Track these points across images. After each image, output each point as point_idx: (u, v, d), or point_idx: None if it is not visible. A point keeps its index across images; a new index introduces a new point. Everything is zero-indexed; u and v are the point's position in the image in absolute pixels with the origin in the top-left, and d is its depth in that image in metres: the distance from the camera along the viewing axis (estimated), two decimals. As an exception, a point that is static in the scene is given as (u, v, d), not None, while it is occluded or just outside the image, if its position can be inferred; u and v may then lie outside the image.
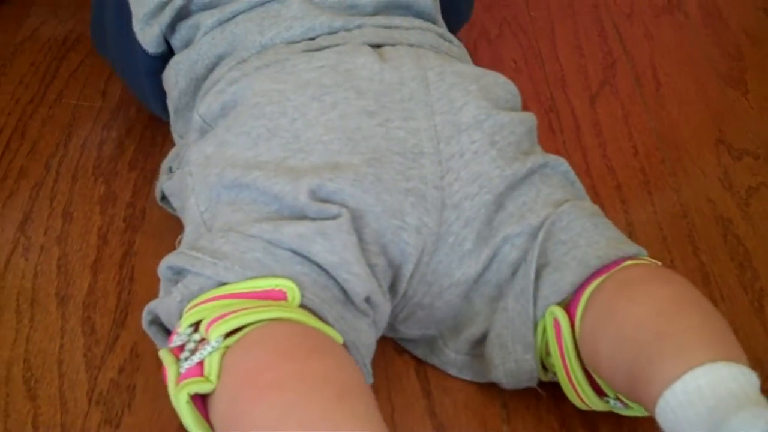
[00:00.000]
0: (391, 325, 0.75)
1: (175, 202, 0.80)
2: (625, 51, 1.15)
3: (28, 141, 0.98)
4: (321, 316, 0.63)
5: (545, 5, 1.23)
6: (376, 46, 0.76)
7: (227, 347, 0.58)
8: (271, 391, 0.54)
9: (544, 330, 0.69)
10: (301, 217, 0.66)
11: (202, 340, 0.59)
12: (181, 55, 0.82)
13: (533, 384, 0.72)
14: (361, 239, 0.67)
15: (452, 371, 0.76)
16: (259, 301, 0.62)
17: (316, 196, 0.66)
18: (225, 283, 0.63)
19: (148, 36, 0.83)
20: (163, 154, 0.94)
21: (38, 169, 0.95)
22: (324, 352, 0.59)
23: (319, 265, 0.65)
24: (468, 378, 0.76)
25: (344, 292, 0.66)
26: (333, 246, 0.65)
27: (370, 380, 0.69)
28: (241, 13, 0.80)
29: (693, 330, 0.61)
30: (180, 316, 0.63)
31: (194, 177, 0.71)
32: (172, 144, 0.88)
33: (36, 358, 0.76)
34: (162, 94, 0.87)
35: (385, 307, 0.70)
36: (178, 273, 0.67)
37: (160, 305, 0.66)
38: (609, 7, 1.23)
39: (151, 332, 0.68)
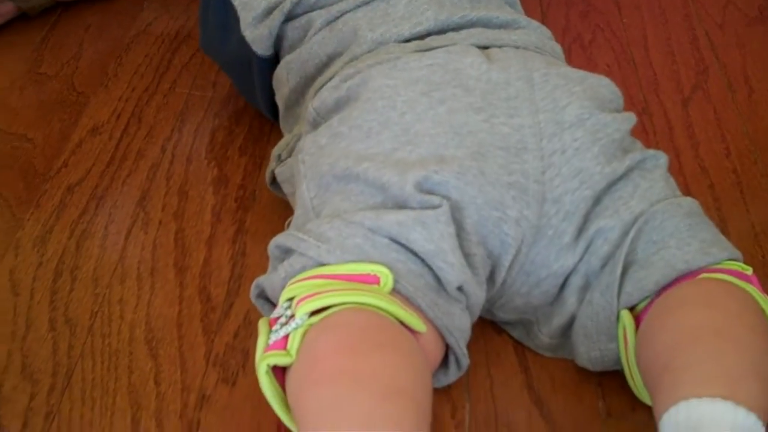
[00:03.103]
0: (489, 310, 0.79)
1: (286, 188, 0.84)
2: (717, 58, 1.17)
3: (144, 126, 1.04)
4: (413, 302, 0.67)
5: (638, 13, 1.26)
6: (484, 48, 0.80)
7: (310, 325, 0.62)
8: (324, 382, 0.59)
9: (622, 330, 0.72)
10: (404, 207, 0.70)
11: (292, 315, 0.64)
12: (292, 55, 0.87)
13: (620, 368, 0.74)
14: (462, 229, 0.70)
15: (547, 354, 0.79)
16: (351, 284, 0.65)
17: (422, 188, 0.69)
18: (325, 264, 0.67)
19: (257, 39, 0.88)
20: (271, 142, 0.99)
21: (155, 152, 1.00)
22: (391, 348, 0.62)
23: (415, 253, 0.69)
24: (564, 356, 0.79)
25: (438, 279, 0.70)
26: (431, 235, 0.68)
27: (466, 362, 0.72)
28: (347, 12, 0.85)
29: (699, 364, 0.63)
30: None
31: (306, 165, 0.75)
32: (279, 133, 0.93)
33: (156, 322, 0.81)
34: (268, 93, 0.93)
35: (479, 295, 0.72)
36: (286, 252, 0.71)
37: (267, 280, 0.71)
38: (701, 16, 1.26)
39: (258, 305, 0.73)
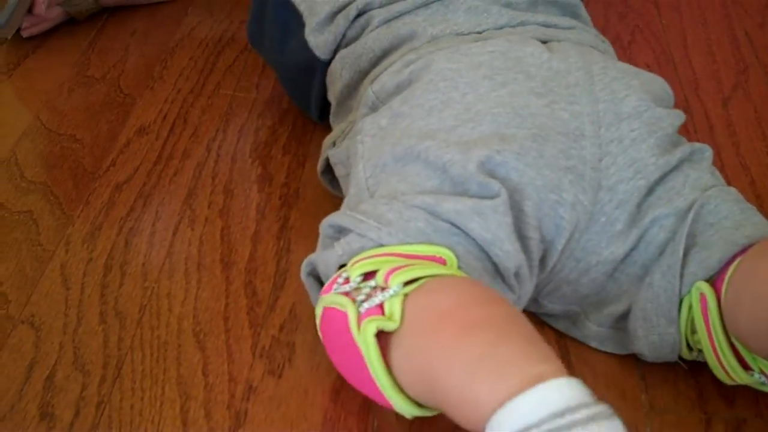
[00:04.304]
0: (535, 300, 0.79)
1: (339, 170, 0.85)
2: (757, 57, 1.18)
3: (190, 126, 1.06)
4: None
5: (677, 14, 1.26)
6: (542, 41, 0.82)
7: (406, 294, 0.62)
8: (471, 330, 0.58)
9: (690, 308, 0.72)
10: (461, 192, 0.71)
11: (377, 287, 0.64)
12: (347, 50, 0.89)
13: (674, 358, 0.75)
14: (521, 211, 0.71)
15: (593, 343, 0.79)
16: (426, 261, 0.67)
17: (484, 168, 0.70)
18: (383, 245, 0.69)
19: (321, 44, 0.91)
20: (314, 141, 1.01)
21: (200, 151, 1.02)
22: (500, 301, 0.63)
23: (473, 240, 0.70)
24: (608, 350, 0.79)
25: (495, 266, 0.71)
26: (488, 225, 0.69)
27: None
28: (406, 13, 0.87)
29: None
30: (336, 269, 0.69)
31: (366, 145, 0.76)
32: (322, 134, 0.95)
33: (204, 315, 0.83)
34: (322, 92, 0.95)
35: (530, 281, 0.74)
36: (339, 231, 0.72)
37: (320, 257, 0.72)
38: (741, 16, 1.26)
39: (308, 283, 0.74)
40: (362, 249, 0.69)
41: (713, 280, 0.72)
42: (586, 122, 0.74)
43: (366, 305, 0.63)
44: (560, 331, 0.81)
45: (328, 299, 0.67)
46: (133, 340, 0.81)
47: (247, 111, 1.08)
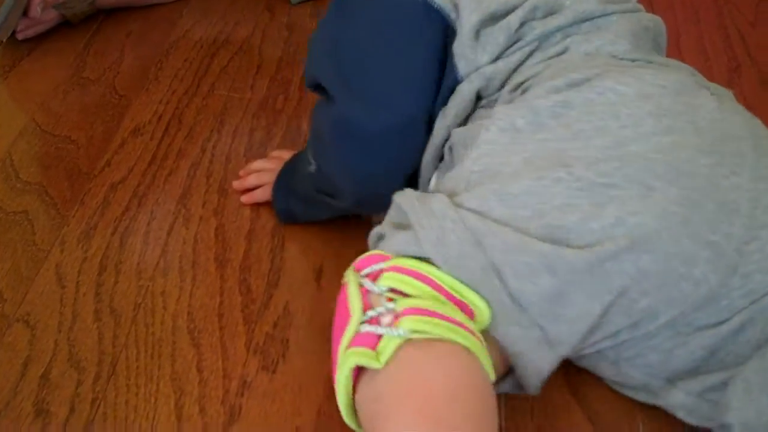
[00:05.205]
0: (615, 363, 0.72)
1: (458, 151, 0.73)
2: (750, 56, 1.18)
3: (185, 126, 1.06)
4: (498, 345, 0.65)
5: (671, 12, 1.27)
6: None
7: (408, 340, 0.60)
8: (430, 423, 0.57)
9: None
10: (555, 239, 0.63)
11: (391, 312, 0.62)
12: (493, 66, 0.76)
13: None
14: (638, 271, 0.63)
15: (680, 414, 0.71)
16: (451, 308, 0.63)
17: (606, 231, 0.63)
18: (426, 259, 0.64)
19: (471, 54, 0.75)
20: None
21: (195, 151, 1.03)
22: (475, 419, 0.60)
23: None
24: (694, 422, 0.71)
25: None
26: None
27: (536, 392, 0.69)
28: (561, 29, 0.77)
29: None
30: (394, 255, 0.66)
31: (489, 134, 0.68)
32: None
33: (198, 312, 0.83)
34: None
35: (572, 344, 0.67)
36: (398, 210, 0.69)
37: (393, 237, 0.67)
38: (733, 15, 1.26)
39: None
40: (408, 248, 0.66)
41: None
42: (744, 198, 0.65)
43: (368, 328, 0.61)
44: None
45: (354, 280, 0.65)
46: (128, 337, 0.81)
47: (241, 111, 1.09)
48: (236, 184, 0.96)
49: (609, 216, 0.63)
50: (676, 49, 1.19)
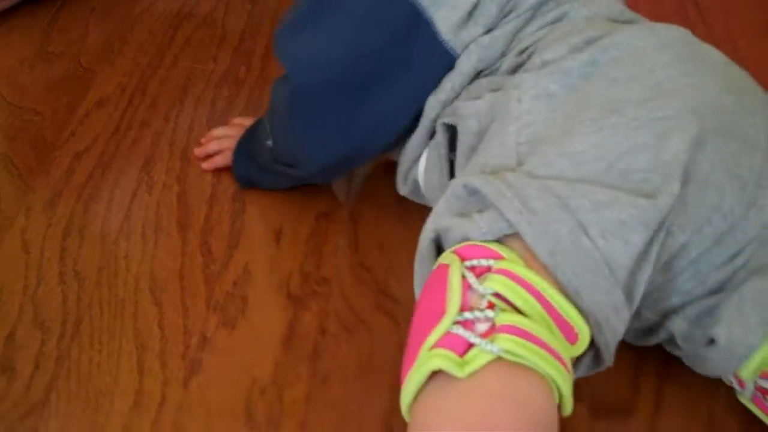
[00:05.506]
0: (638, 312, 0.68)
1: (471, 125, 0.72)
2: (702, 19, 1.21)
3: (148, 97, 1.08)
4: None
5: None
6: None
7: (498, 358, 0.55)
8: None
9: None
10: (628, 187, 0.61)
11: (489, 321, 0.56)
12: (489, 37, 0.76)
13: (739, 363, 0.67)
14: (683, 205, 0.63)
15: (679, 341, 0.71)
16: (553, 333, 0.58)
17: (671, 163, 0.62)
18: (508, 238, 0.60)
19: (466, 38, 0.76)
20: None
21: (158, 121, 1.05)
22: None
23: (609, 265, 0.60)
24: (687, 349, 0.71)
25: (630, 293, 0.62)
26: (642, 239, 0.60)
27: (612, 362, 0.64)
28: None
29: None
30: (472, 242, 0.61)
31: (524, 105, 0.67)
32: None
33: (160, 273, 0.86)
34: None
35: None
36: (473, 194, 0.63)
37: (458, 226, 0.62)
38: (688, -20, 1.29)
39: (428, 249, 0.64)
40: (502, 232, 0.60)
41: None
42: (762, 135, 0.67)
43: (461, 331, 0.56)
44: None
45: (458, 269, 0.59)
46: (92, 298, 0.83)
47: (204, 82, 1.11)
48: (197, 151, 0.99)
49: (676, 146, 0.61)
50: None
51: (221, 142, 0.97)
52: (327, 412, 0.74)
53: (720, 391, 0.75)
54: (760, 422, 0.71)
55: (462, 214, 0.63)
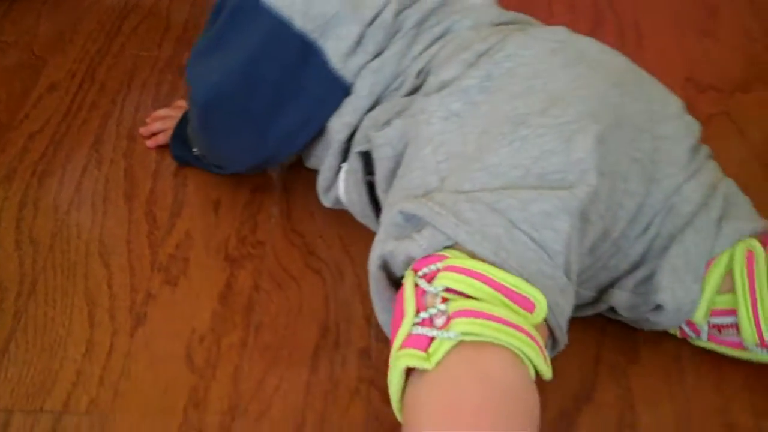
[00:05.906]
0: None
1: (385, 152, 0.77)
2: (612, 9, 1.31)
3: (97, 82, 1.16)
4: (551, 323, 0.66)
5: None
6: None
7: (461, 342, 0.60)
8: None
9: (725, 266, 0.75)
10: (547, 184, 0.67)
11: (444, 314, 0.61)
12: (379, 60, 0.82)
13: (689, 316, 0.76)
14: (596, 192, 0.68)
15: (623, 312, 0.79)
16: (510, 308, 0.62)
17: (582, 159, 0.67)
18: (452, 248, 0.65)
19: (354, 66, 0.82)
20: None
21: (106, 104, 1.13)
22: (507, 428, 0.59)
23: (548, 255, 0.65)
24: (632, 317, 0.80)
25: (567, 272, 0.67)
26: (567, 226, 0.65)
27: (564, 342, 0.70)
28: (436, 9, 0.85)
29: None
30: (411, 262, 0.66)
31: (434, 127, 0.72)
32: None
33: (108, 239, 0.94)
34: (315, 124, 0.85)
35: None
36: (409, 219, 0.69)
37: (399, 248, 0.67)
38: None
39: (378, 277, 0.70)
40: (441, 245, 0.66)
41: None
42: (645, 118, 0.76)
43: (420, 329, 0.62)
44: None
45: (411, 281, 0.65)
46: (46, 262, 0.91)
47: (149, 68, 1.19)
48: (142, 130, 1.07)
49: (583, 145, 0.67)
50: (547, 5, 1.32)
51: (164, 122, 1.05)
52: (260, 356, 0.83)
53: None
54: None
55: (402, 237, 0.68)
